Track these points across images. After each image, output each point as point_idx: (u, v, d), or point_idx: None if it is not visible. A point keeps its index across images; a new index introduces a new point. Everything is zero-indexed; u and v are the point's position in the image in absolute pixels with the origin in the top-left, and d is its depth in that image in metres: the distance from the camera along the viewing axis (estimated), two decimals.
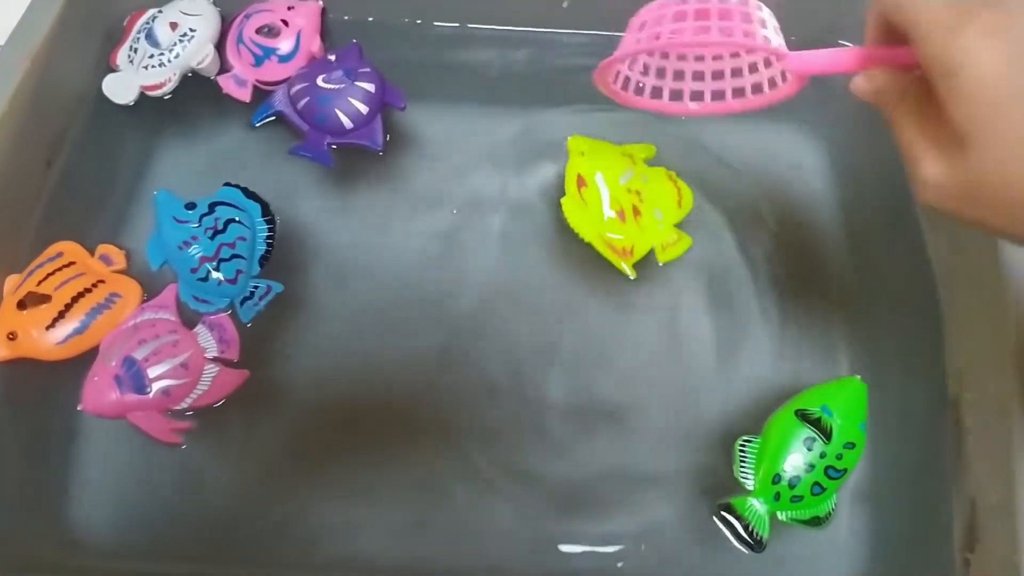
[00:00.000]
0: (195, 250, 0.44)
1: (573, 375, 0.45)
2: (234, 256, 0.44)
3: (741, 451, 0.40)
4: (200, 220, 0.44)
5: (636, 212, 0.46)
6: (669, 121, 0.51)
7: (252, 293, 0.45)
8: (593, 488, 0.42)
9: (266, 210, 0.47)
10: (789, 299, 0.47)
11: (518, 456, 0.42)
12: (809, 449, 0.38)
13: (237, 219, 0.45)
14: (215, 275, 0.44)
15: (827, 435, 0.39)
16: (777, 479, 0.38)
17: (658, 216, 0.47)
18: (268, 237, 0.46)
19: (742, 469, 0.40)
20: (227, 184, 0.47)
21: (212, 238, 0.44)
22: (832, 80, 0.54)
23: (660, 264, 0.47)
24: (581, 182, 0.46)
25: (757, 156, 0.52)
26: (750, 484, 0.39)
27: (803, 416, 0.39)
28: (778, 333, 0.46)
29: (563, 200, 0.47)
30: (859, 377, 0.41)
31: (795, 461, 0.38)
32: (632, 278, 0.46)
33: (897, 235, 0.49)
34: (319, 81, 0.49)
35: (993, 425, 0.39)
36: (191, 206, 0.45)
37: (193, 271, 0.44)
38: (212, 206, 0.45)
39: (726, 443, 0.41)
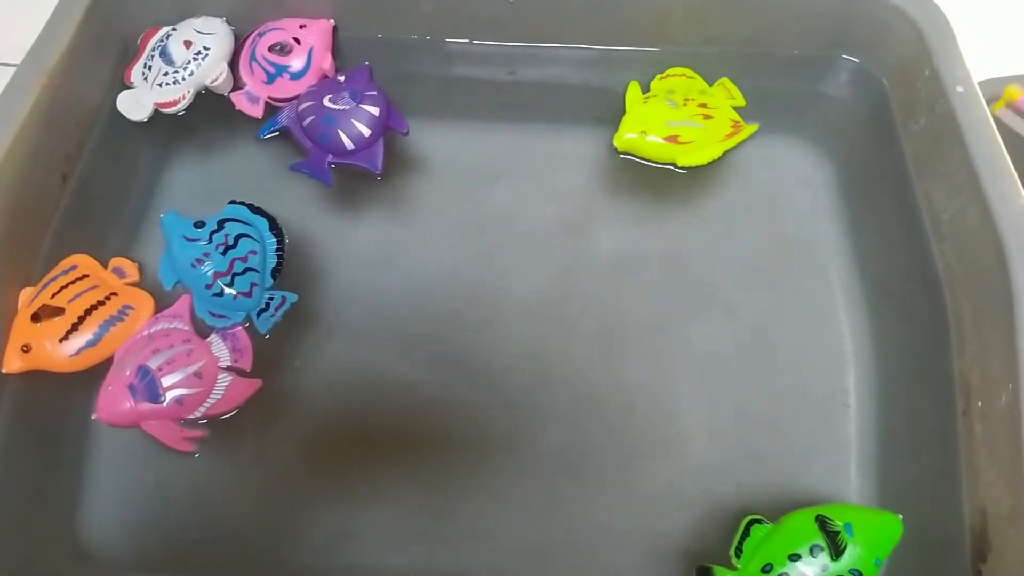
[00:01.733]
0: (208, 267, 0.44)
1: (586, 399, 0.45)
2: (247, 270, 0.45)
3: (746, 528, 0.39)
4: (210, 237, 0.45)
5: (704, 106, 0.51)
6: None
7: (267, 305, 0.45)
8: (583, 523, 0.42)
9: (273, 224, 0.47)
10: (795, 313, 0.47)
11: (521, 475, 0.43)
12: (813, 556, 0.37)
13: (247, 233, 0.46)
14: (229, 290, 0.44)
15: (838, 552, 0.37)
16: (767, 569, 0.37)
17: (706, 92, 0.54)
18: (278, 250, 0.47)
19: (739, 546, 0.38)
20: (232, 202, 0.47)
21: (224, 253, 0.44)
22: (840, 94, 0.56)
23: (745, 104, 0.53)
24: (674, 139, 0.50)
25: (766, 171, 0.52)
26: (739, 564, 0.38)
27: (822, 523, 0.37)
28: (784, 350, 0.46)
29: (683, 162, 0.51)
30: (901, 517, 0.39)
31: (794, 561, 0.37)
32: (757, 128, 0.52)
33: (904, 245, 0.49)
34: (325, 101, 0.49)
35: (1003, 434, 0.39)
36: (200, 224, 0.45)
37: (207, 287, 0.44)
38: (221, 223, 0.46)
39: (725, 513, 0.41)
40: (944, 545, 0.40)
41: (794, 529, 0.38)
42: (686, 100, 0.51)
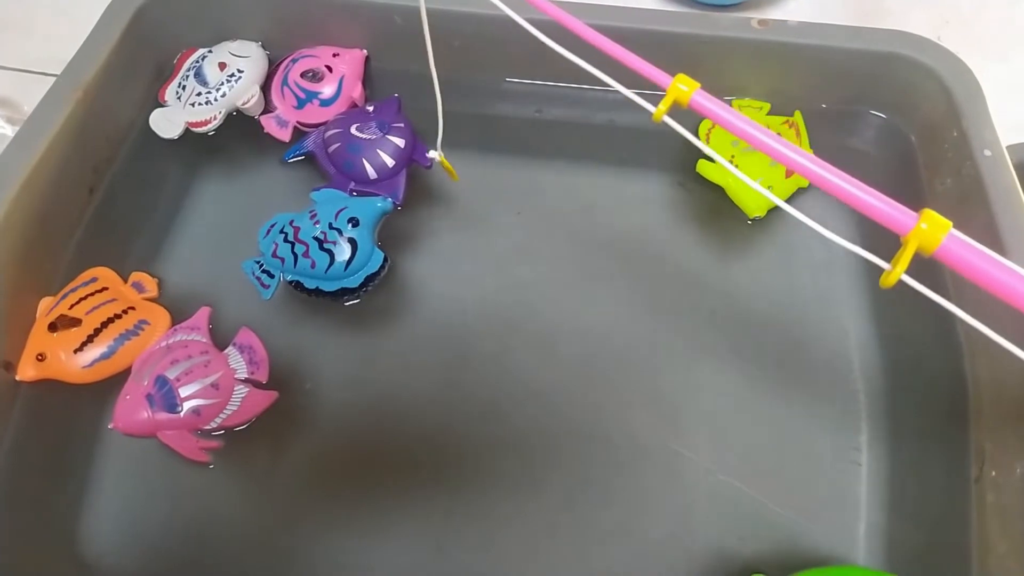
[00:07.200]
0: (306, 223, 0.45)
1: (592, 440, 0.44)
2: (296, 255, 0.45)
3: None
4: (335, 218, 0.45)
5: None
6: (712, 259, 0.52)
7: (263, 272, 0.47)
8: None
9: (380, 269, 0.46)
10: (809, 366, 0.47)
11: (523, 516, 0.42)
12: None
13: (332, 254, 0.45)
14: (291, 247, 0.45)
15: None
16: None
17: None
18: (352, 289, 0.46)
19: None
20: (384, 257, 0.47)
21: (315, 235, 0.45)
22: (867, 149, 0.55)
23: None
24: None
25: (787, 220, 0.52)
26: None
27: None
28: (796, 403, 0.46)
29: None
30: None
31: None
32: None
33: (924, 306, 0.48)
34: (352, 129, 0.50)
35: (1017, 507, 0.38)
36: (354, 222, 0.45)
37: (289, 224, 0.46)
38: (351, 241, 0.45)
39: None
40: None
41: None
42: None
